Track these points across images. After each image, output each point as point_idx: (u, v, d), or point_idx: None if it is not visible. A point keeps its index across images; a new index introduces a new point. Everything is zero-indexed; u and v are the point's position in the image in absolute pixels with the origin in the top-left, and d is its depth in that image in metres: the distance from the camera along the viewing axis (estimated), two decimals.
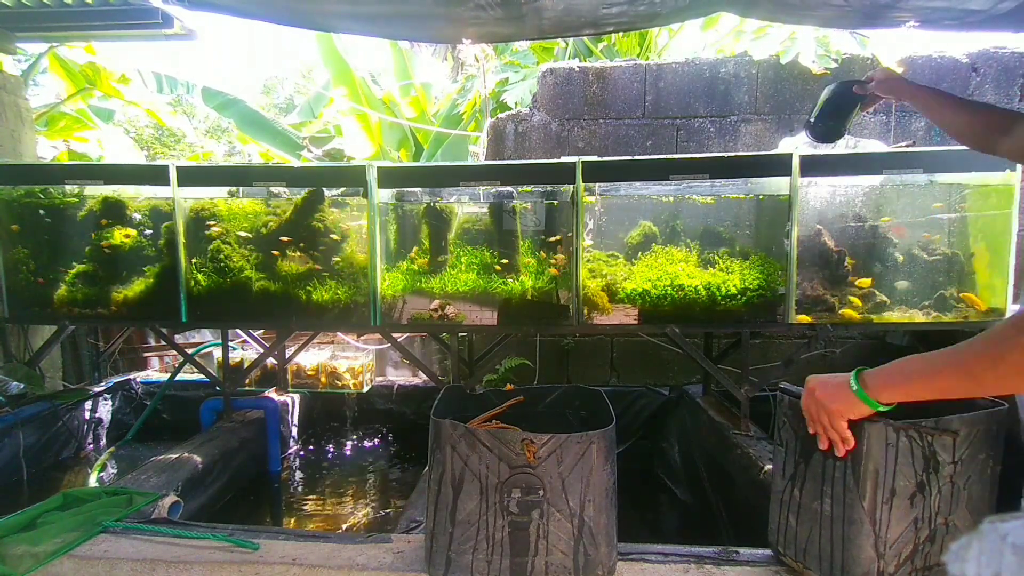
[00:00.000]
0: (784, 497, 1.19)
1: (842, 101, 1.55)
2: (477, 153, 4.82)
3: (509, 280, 2.42)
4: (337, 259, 2.49)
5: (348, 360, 3.23)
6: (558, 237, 2.39)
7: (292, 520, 2.52)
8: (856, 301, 2.29)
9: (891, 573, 1.06)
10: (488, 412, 1.43)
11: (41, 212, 2.56)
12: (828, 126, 1.59)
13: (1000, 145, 1.27)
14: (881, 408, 0.96)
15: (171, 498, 1.69)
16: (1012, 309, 2.19)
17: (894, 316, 2.29)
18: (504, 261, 2.42)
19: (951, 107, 1.35)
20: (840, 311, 2.28)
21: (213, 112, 6.83)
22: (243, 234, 2.49)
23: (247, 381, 3.05)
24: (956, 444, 1.10)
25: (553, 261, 2.38)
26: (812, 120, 1.62)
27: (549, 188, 2.41)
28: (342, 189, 2.50)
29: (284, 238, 2.47)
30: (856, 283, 2.29)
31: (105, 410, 3.15)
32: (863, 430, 1.05)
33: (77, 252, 2.56)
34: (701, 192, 2.39)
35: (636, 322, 2.35)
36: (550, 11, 2.57)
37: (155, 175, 2.48)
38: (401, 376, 3.64)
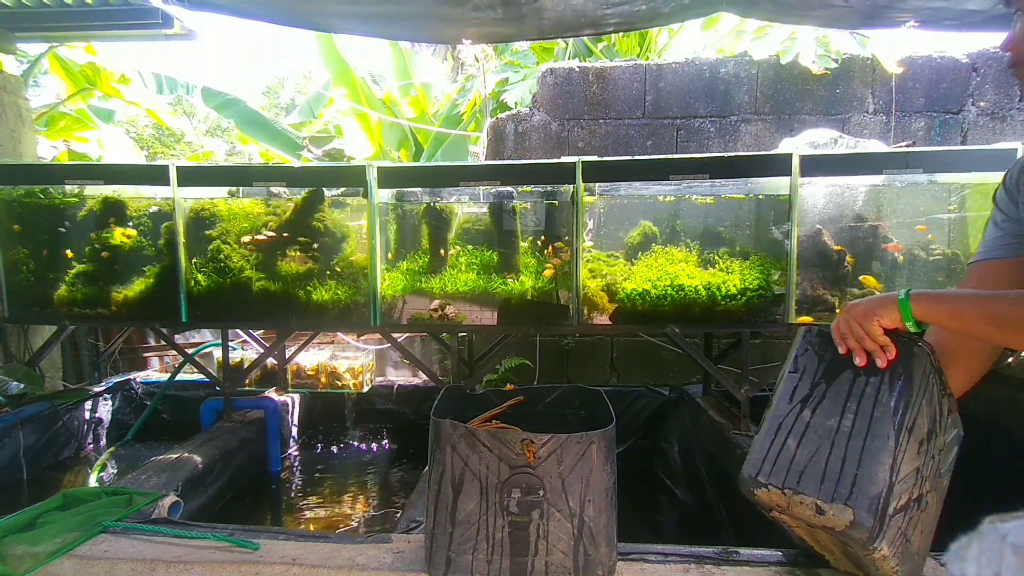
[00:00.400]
0: (785, 421, 1.11)
1: None
2: (477, 153, 4.82)
3: (509, 280, 2.42)
4: (337, 259, 2.49)
5: (348, 360, 3.22)
6: (550, 249, 2.40)
7: (292, 520, 2.52)
8: None
9: (890, 513, 0.99)
10: (488, 412, 1.43)
11: (64, 226, 2.56)
12: None
13: None
14: (910, 323, 1.01)
15: (171, 498, 1.68)
16: None
17: None
18: (511, 278, 2.42)
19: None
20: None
21: (213, 112, 6.84)
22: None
23: (247, 381, 3.05)
24: (948, 422, 1.09)
25: (543, 256, 2.38)
26: None
27: (549, 188, 2.41)
28: (342, 189, 2.50)
29: (259, 236, 2.46)
30: (862, 280, 2.28)
31: (105, 410, 3.15)
32: (910, 349, 1.04)
33: (77, 252, 2.56)
34: (701, 192, 2.39)
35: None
36: (550, 11, 2.58)
37: (155, 175, 2.49)
38: (401, 376, 3.64)
